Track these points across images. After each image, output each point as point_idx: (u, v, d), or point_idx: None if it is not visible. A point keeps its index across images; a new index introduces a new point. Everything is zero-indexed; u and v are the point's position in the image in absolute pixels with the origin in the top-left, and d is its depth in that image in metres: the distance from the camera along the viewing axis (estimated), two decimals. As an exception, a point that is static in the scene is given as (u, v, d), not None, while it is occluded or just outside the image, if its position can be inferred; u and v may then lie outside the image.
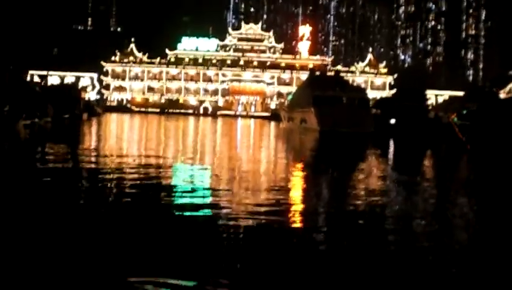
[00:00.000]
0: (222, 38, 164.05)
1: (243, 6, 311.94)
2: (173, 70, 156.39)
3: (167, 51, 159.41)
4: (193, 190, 14.04)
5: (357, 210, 12.24)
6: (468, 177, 22.39)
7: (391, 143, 43.19)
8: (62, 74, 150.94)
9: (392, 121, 53.35)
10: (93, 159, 21.80)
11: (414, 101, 58.08)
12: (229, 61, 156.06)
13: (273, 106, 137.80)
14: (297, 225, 10.62)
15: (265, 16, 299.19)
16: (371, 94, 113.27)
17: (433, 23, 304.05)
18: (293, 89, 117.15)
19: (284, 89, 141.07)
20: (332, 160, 28.42)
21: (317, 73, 76.78)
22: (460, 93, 78.71)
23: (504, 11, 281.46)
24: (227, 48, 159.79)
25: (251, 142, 43.00)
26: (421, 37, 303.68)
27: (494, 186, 18.24)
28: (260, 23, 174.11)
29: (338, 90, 60.58)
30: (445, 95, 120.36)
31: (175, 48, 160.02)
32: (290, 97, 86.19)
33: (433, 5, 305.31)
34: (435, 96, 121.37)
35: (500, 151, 27.13)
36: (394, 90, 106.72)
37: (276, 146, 40.05)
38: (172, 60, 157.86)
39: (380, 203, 13.39)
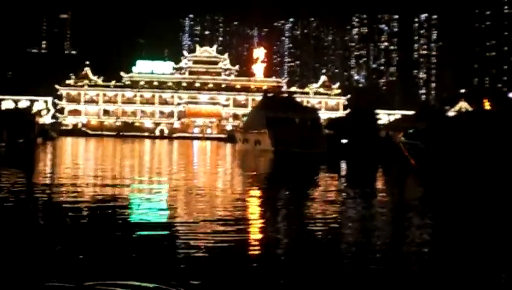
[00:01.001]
0: (178, 61, 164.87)
1: (198, 28, 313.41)
2: (128, 93, 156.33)
3: (122, 73, 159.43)
4: (146, 213, 14.48)
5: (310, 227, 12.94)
6: (410, 194, 23.36)
7: (343, 163, 44.21)
8: (16, 97, 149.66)
9: (344, 141, 54.61)
10: (47, 183, 22.05)
11: (365, 121, 59.60)
12: (184, 84, 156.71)
13: (229, 127, 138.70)
14: (254, 247, 11.06)
15: (220, 38, 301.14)
16: (325, 115, 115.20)
17: (385, 43, 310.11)
18: (248, 110, 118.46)
19: (240, 111, 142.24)
20: (285, 179, 29.24)
21: (270, 95, 78.02)
22: (413, 113, 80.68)
23: (455, 31, 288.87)
24: (183, 71, 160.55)
25: (207, 163, 43.64)
26: (374, 57, 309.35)
27: (436, 203, 19.28)
28: (215, 46, 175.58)
29: (291, 111, 61.87)
30: (397, 114, 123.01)
31: (130, 71, 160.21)
32: (244, 119, 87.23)
33: (386, 26, 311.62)
34: (387, 115, 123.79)
35: (447, 169, 27.83)
36: (347, 111, 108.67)
37: (231, 167, 40.79)
38: (128, 82, 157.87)
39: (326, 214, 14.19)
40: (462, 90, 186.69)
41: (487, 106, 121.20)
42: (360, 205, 17.83)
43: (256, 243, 11.10)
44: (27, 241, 10.21)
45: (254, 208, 16.81)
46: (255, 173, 34.09)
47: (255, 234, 12.20)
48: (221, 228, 11.95)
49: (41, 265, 8.46)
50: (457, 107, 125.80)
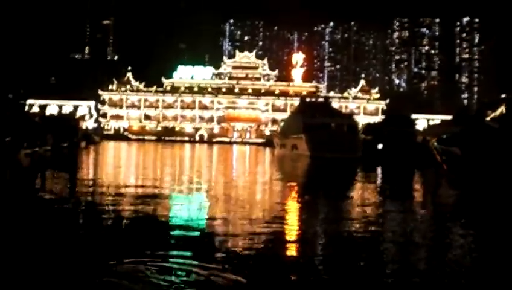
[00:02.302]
0: (218, 66, 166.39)
1: (238, 33, 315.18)
2: (169, 99, 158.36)
3: (163, 79, 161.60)
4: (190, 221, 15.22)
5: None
6: (443, 201, 23.93)
7: (378, 168, 44.78)
8: (60, 102, 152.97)
9: (380, 146, 55.06)
10: (91, 188, 23.08)
11: (401, 126, 59.83)
12: (224, 89, 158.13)
13: (267, 132, 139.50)
14: (293, 252, 11.65)
15: (260, 43, 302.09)
16: (364, 120, 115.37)
17: (427, 47, 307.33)
18: (287, 115, 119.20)
19: (279, 116, 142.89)
20: (322, 184, 30.12)
21: (308, 100, 78.71)
22: (451, 117, 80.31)
23: (498, 35, 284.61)
24: (222, 76, 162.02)
25: (246, 168, 44.91)
26: (415, 61, 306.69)
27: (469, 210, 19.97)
28: (254, 51, 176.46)
29: (327, 116, 62.64)
30: (436, 119, 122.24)
31: (171, 76, 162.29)
32: (282, 124, 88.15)
33: (427, 30, 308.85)
34: (426, 120, 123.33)
35: (480, 175, 28.12)
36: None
37: (270, 171, 41.97)
38: (169, 88, 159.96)
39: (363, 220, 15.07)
40: (503, 95, 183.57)
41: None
42: (392, 212, 18.62)
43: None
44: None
45: (292, 215, 17.64)
46: (291, 178, 35.02)
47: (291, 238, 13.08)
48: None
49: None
50: (497, 112, 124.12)
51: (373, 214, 17.30)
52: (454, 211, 19.62)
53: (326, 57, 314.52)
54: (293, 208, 18.97)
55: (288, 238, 12.96)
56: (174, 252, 10.29)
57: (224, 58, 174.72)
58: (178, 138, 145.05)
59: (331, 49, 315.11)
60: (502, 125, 28.81)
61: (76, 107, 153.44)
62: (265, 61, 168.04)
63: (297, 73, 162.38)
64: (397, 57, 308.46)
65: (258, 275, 9.07)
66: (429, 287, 8.97)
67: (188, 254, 10.24)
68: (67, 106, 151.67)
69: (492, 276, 9.78)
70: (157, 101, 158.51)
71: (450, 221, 16.64)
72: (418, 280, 9.35)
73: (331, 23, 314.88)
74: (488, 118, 39.45)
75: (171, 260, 9.72)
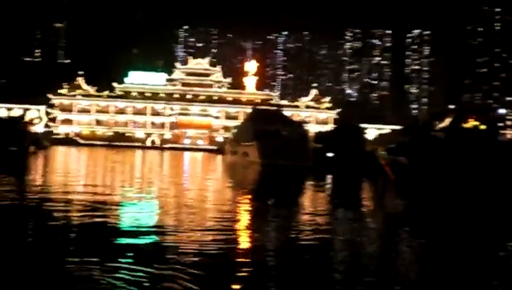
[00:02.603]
0: (171, 73, 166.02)
1: (192, 40, 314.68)
2: (121, 104, 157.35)
3: (115, 84, 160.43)
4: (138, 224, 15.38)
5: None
6: (388, 208, 24.50)
7: (328, 176, 45.36)
8: (9, 105, 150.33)
9: (330, 154, 55.68)
10: (39, 192, 22.94)
11: (351, 135, 60.60)
12: (176, 95, 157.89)
13: (220, 139, 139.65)
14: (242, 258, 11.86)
15: (214, 50, 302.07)
16: (316, 128, 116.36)
17: (378, 58, 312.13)
18: (239, 122, 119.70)
19: (231, 123, 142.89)
20: (273, 192, 30.39)
21: (259, 108, 79.27)
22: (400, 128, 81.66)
23: (447, 47, 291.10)
24: (175, 82, 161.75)
25: (197, 174, 44.94)
26: (366, 71, 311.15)
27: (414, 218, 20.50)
28: (208, 58, 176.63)
29: (279, 124, 63.19)
30: (387, 129, 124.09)
31: (123, 82, 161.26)
32: (233, 131, 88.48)
33: (379, 41, 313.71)
34: (377, 130, 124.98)
35: (426, 184, 28.77)
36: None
37: (221, 178, 42.13)
38: (120, 93, 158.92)
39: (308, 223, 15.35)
40: (451, 106, 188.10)
41: (473, 122, 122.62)
42: (339, 219, 19.07)
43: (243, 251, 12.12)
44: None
45: (239, 220, 17.83)
46: (241, 185, 35.25)
47: (241, 243, 13.27)
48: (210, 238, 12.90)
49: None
50: (445, 123, 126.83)
51: (321, 222, 17.61)
52: (399, 219, 20.09)
53: (280, 66, 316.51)
54: (243, 215, 19.15)
55: (238, 245, 13.15)
56: (122, 259, 10.35)
57: (178, 65, 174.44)
58: (129, 144, 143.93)
59: (284, 58, 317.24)
60: (447, 135, 29.61)
61: (25, 111, 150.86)
62: (219, 68, 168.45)
63: (250, 81, 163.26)
64: (349, 67, 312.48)
65: (207, 281, 9.16)
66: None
67: (135, 259, 10.33)
68: (17, 109, 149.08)
69: (435, 281, 10.05)
70: (109, 106, 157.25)
71: (396, 229, 17.07)
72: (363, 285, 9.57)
73: (284, 32, 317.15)
74: (437, 128, 40.50)
75: (119, 264, 9.80)
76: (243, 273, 9.87)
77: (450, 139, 28.58)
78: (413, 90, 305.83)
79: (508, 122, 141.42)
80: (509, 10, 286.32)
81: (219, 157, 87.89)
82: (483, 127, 35.15)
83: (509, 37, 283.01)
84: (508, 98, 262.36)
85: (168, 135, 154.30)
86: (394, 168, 33.28)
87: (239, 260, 11.19)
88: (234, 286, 9.11)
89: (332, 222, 17.88)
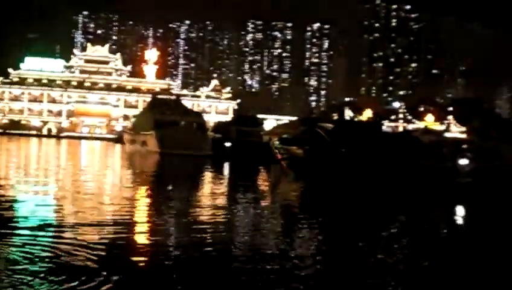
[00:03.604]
0: (69, 59, 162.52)
1: (92, 26, 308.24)
2: (16, 91, 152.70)
3: (10, 70, 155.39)
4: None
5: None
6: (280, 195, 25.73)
7: (226, 165, 46.47)
8: None
9: (228, 144, 56.76)
10: None
11: (248, 125, 61.98)
12: (74, 83, 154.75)
13: (119, 128, 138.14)
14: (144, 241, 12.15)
15: (114, 37, 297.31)
16: (216, 118, 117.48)
17: (279, 50, 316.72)
18: (139, 111, 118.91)
19: (130, 112, 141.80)
20: (171, 180, 31.01)
21: (159, 97, 79.30)
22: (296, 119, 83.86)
23: (345, 41, 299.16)
24: (73, 69, 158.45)
25: (96, 164, 44.82)
26: (267, 63, 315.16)
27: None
28: (107, 45, 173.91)
29: (177, 114, 63.72)
30: (285, 120, 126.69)
31: (18, 68, 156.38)
32: (132, 120, 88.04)
33: (280, 34, 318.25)
34: (275, 121, 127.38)
35: (317, 173, 30.09)
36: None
37: (119, 167, 42.26)
38: (16, 79, 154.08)
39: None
40: (347, 99, 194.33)
41: (368, 114, 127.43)
42: (235, 203, 20.01)
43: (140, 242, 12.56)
44: None
45: (135, 208, 18.21)
46: (138, 173, 35.63)
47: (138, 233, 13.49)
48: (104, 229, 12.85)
49: None
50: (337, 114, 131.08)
51: (218, 205, 18.68)
52: (290, 203, 21.57)
53: (181, 55, 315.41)
54: (142, 202, 19.66)
55: (137, 229, 13.71)
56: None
57: (76, 51, 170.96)
58: (25, 132, 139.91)
59: (186, 47, 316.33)
60: (334, 127, 31.16)
61: None
62: (118, 56, 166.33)
63: (150, 70, 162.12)
64: (250, 58, 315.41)
65: (109, 263, 9.46)
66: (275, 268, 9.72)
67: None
68: None
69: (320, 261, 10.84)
70: (3, 93, 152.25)
71: (287, 211, 18.45)
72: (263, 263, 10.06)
73: (187, 21, 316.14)
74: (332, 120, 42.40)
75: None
76: (141, 257, 10.40)
77: (336, 130, 30.09)
78: (313, 82, 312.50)
79: (400, 115, 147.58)
80: (404, 7, 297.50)
81: (118, 146, 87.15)
82: (369, 119, 36.98)
83: (404, 33, 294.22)
84: (401, 92, 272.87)
85: (65, 123, 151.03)
86: (287, 157, 34.42)
87: (139, 244, 11.68)
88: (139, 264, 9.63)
89: (228, 206, 18.87)
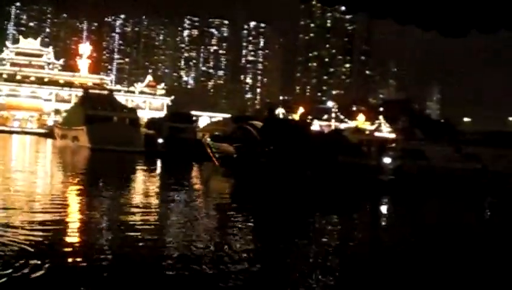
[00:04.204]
0: (1, 52, 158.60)
1: (25, 18, 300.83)
2: None
3: None
4: None
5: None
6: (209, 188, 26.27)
7: (158, 161, 46.65)
8: None
9: (160, 140, 56.81)
10: None
11: (182, 122, 62.07)
12: (5, 76, 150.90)
13: (50, 122, 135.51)
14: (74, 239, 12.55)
15: (48, 30, 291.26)
16: (150, 114, 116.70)
17: (215, 47, 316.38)
18: (71, 106, 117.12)
19: (63, 106, 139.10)
20: (101, 176, 31.05)
21: (91, 92, 78.49)
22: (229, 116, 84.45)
23: (281, 40, 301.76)
24: (4, 62, 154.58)
25: (26, 159, 44.26)
26: (203, 60, 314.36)
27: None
28: (39, 39, 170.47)
29: (110, 110, 63.31)
30: (219, 117, 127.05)
31: None
32: (64, 115, 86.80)
33: (216, 31, 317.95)
34: (209, 118, 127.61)
35: (247, 169, 30.66)
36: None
37: (50, 162, 41.85)
38: None
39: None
40: (281, 98, 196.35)
41: (300, 113, 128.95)
42: (166, 198, 20.50)
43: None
44: None
45: (67, 202, 18.39)
46: (70, 170, 35.48)
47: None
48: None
49: None
50: (277, 113, 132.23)
51: (150, 201, 19.10)
52: (221, 197, 22.31)
53: (116, 50, 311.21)
54: (72, 199, 19.76)
55: (68, 225, 13.92)
56: None
57: (8, 44, 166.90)
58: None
59: (121, 41, 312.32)
60: (263, 125, 31.81)
61: None
62: (51, 49, 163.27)
63: (83, 64, 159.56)
64: (186, 55, 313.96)
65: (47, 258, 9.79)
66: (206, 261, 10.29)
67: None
68: None
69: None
70: None
71: (217, 204, 19.11)
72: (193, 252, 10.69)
73: (122, 16, 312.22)
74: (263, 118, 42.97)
75: None
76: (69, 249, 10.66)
77: (265, 128, 30.74)
78: (249, 80, 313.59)
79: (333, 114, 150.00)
80: (339, 8, 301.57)
81: (49, 141, 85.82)
82: (300, 118, 37.78)
83: (339, 34, 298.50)
84: (335, 92, 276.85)
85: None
86: (218, 154, 34.88)
87: (70, 237, 11.96)
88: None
89: (158, 204, 19.31)
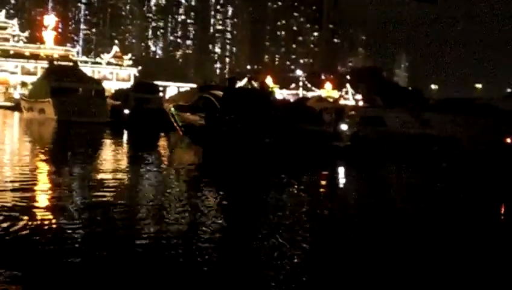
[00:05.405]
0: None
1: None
2: None
3: None
4: None
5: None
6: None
7: (125, 132, 47.34)
8: None
9: (126, 111, 57.17)
10: None
11: (148, 92, 62.33)
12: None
13: (17, 95, 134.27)
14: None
15: (12, 1, 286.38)
16: (117, 85, 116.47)
17: (183, 17, 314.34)
18: (37, 79, 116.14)
19: (29, 79, 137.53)
20: (69, 147, 31.72)
21: (56, 64, 78.25)
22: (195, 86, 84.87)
23: (249, 9, 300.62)
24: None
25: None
26: (171, 29, 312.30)
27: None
28: (4, 11, 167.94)
29: (75, 81, 63.38)
30: (186, 87, 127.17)
31: None
32: (30, 87, 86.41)
33: (184, 0, 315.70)
34: (177, 88, 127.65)
35: (212, 141, 31.42)
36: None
37: (17, 134, 42.35)
38: None
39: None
40: (248, 67, 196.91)
41: (268, 82, 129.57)
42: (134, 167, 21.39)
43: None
44: None
45: (36, 174, 18.95)
46: (37, 142, 36.03)
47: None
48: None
49: None
50: (242, 83, 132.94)
51: (117, 170, 19.97)
52: (192, 168, 23.30)
53: (82, 20, 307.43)
54: (40, 170, 20.34)
55: (39, 189, 14.64)
56: None
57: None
58: None
59: (87, 12, 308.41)
60: (223, 94, 32.52)
61: None
62: (15, 21, 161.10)
63: (48, 36, 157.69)
64: (154, 24, 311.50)
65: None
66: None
67: None
68: None
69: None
70: None
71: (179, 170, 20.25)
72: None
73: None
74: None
75: None
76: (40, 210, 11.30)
77: (226, 97, 31.46)
78: (217, 50, 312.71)
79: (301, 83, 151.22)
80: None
81: (16, 114, 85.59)
82: (261, 87, 38.64)
83: (307, 2, 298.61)
84: (303, 61, 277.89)
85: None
86: (182, 124, 35.47)
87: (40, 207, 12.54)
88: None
89: (127, 173, 20.16)
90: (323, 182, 20.55)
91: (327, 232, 11.47)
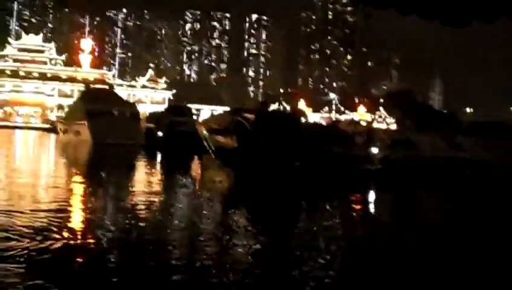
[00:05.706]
0: (3, 48, 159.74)
1: (27, 13, 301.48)
2: None
3: None
4: None
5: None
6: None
7: (158, 154, 47.90)
8: None
9: (160, 133, 57.85)
10: None
11: (181, 115, 62.92)
12: (8, 72, 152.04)
13: (53, 118, 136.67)
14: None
15: (50, 25, 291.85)
16: (152, 108, 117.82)
17: (217, 41, 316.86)
18: (73, 101, 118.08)
19: (65, 101, 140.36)
20: (104, 168, 32.28)
21: (92, 87, 79.62)
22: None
23: (283, 33, 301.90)
24: (7, 58, 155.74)
25: (30, 153, 45.54)
26: (206, 53, 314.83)
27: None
28: (41, 34, 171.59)
29: (110, 103, 64.43)
30: (219, 110, 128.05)
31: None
32: (66, 110, 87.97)
33: (218, 24, 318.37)
34: (211, 111, 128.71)
35: (244, 164, 31.66)
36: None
37: (54, 156, 43.17)
38: None
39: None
40: (282, 90, 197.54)
41: (301, 105, 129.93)
42: (168, 191, 21.72)
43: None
44: None
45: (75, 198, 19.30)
46: (73, 163, 36.68)
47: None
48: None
49: None
50: (275, 106, 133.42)
51: (153, 192, 20.32)
52: (224, 190, 23.54)
53: (118, 44, 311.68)
54: (76, 191, 20.68)
55: (74, 210, 14.93)
56: None
57: (10, 40, 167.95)
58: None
59: (123, 35, 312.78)
60: (256, 117, 32.80)
61: None
62: (53, 45, 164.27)
63: (85, 59, 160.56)
64: (188, 48, 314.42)
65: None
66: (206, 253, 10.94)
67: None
68: None
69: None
70: None
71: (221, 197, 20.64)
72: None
73: (124, 10, 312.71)
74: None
75: None
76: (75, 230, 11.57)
77: (258, 120, 31.76)
78: (251, 73, 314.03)
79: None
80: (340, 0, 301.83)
81: (52, 136, 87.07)
82: (294, 110, 38.81)
83: (340, 26, 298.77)
84: (335, 84, 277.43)
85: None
86: (215, 147, 35.80)
87: (74, 227, 12.83)
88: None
89: (163, 192, 20.55)
90: (354, 206, 20.55)
91: (360, 258, 11.50)
